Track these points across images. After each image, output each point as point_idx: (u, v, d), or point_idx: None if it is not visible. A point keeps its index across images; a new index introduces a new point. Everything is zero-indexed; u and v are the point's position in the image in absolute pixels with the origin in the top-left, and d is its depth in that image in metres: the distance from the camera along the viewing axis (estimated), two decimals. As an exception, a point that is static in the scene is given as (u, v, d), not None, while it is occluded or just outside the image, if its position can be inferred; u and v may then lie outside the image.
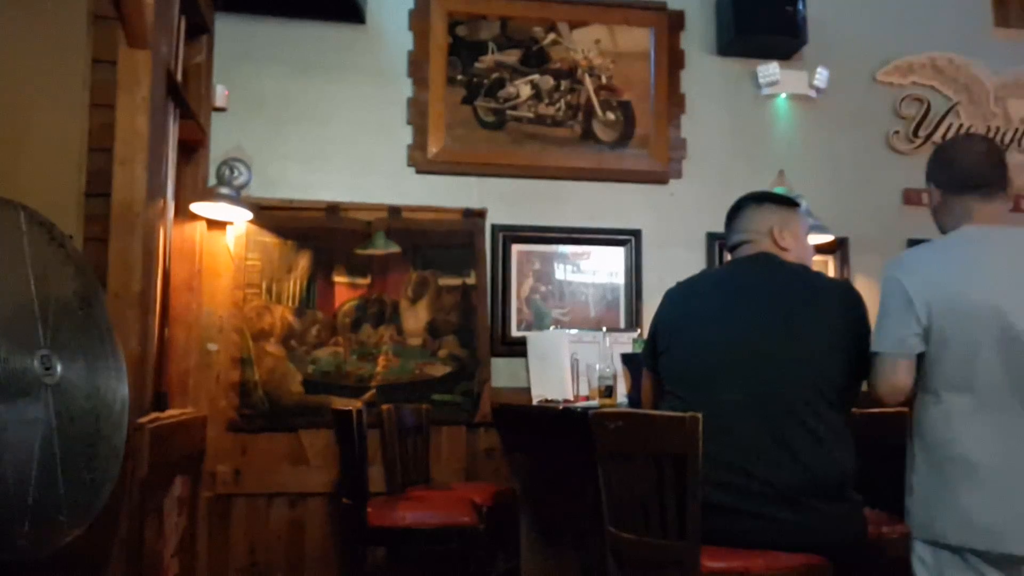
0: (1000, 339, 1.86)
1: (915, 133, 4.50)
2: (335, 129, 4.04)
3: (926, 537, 1.91)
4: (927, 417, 1.95)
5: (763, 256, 2.26)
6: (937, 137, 4.48)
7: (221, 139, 3.89)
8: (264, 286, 3.83)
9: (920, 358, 1.96)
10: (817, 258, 4.37)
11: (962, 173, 2.06)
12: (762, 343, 2.08)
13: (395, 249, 3.96)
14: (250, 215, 3.76)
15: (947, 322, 1.90)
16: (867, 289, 4.15)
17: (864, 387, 2.12)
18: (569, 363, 3.72)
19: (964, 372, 1.89)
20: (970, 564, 1.84)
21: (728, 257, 2.43)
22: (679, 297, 2.35)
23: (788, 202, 2.38)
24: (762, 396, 2.03)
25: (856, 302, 2.18)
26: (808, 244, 2.43)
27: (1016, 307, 1.87)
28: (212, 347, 3.76)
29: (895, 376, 1.97)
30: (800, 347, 2.07)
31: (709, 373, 2.12)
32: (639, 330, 3.94)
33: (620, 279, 4.21)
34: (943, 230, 2.10)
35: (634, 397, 2.88)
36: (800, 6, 4.25)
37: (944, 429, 1.91)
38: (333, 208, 3.94)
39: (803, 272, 2.26)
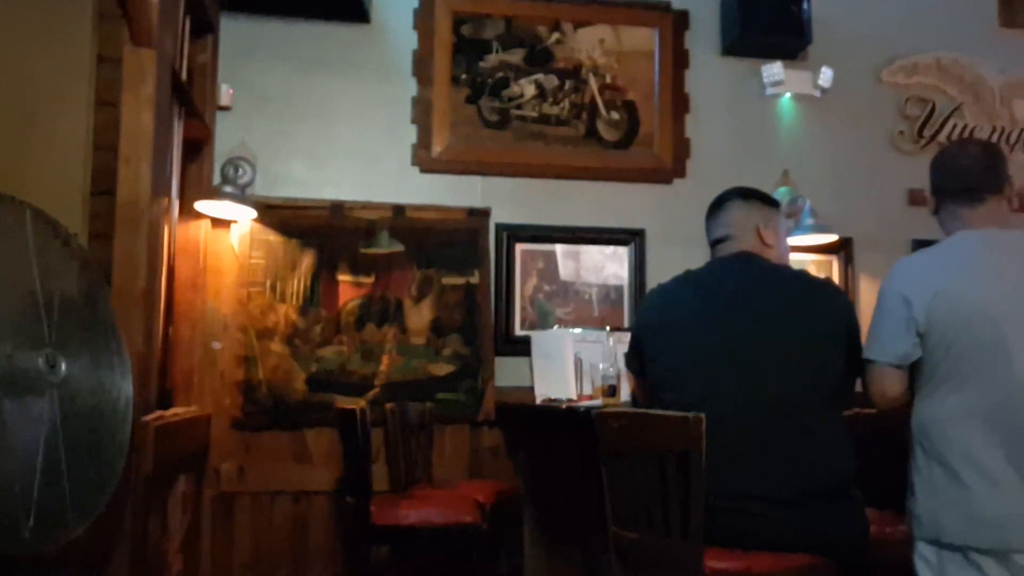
0: (995, 340, 1.87)
1: (920, 133, 4.50)
2: (339, 128, 4.05)
3: (929, 536, 1.92)
4: (928, 418, 1.96)
5: (748, 255, 2.22)
6: (942, 137, 4.47)
7: (226, 138, 3.89)
8: (268, 284, 3.83)
9: (919, 360, 1.97)
10: (821, 258, 4.38)
11: (950, 180, 2.09)
12: (757, 344, 2.06)
13: (399, 248, 3.96)
14: (254, 213, 3.76)
15: (945, 324, 1.92)
16: (872, 289, 4.22)
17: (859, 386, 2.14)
18: (573, 362, 3.72)
19: (962, 373, 1.91)
20: (972, 561, 1.85)
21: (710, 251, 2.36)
22: (662, 300, 2.30)
23: (771, 201, 2.36)
24: (760, 397, 2.02)
25: (844, 300, 2.22)
26: (787, 244, 2.42)
27: (1010, 309, 1.88)
28: (216, 345, 3.76)
29: (885, 384, 2.01)
30: (795, 347, 2.05)
31: (704, 376, 2.09)
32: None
33: (624, 278, 4.21)
34: (946, 233, 2.12)
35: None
36: (805, 6, 4.24)
37: (945, 429, 1.92)
38: (337, 207, 3.94)
39: (790, 272, 2.26)
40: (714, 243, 2.32)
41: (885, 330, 2.01)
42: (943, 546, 1.89)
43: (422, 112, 4.11)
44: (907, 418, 2.04)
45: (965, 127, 4.53)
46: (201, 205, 3.59)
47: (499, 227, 4.09)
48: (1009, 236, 2.02)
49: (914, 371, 2.00)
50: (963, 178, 2.06)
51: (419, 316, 3.93)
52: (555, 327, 4.04)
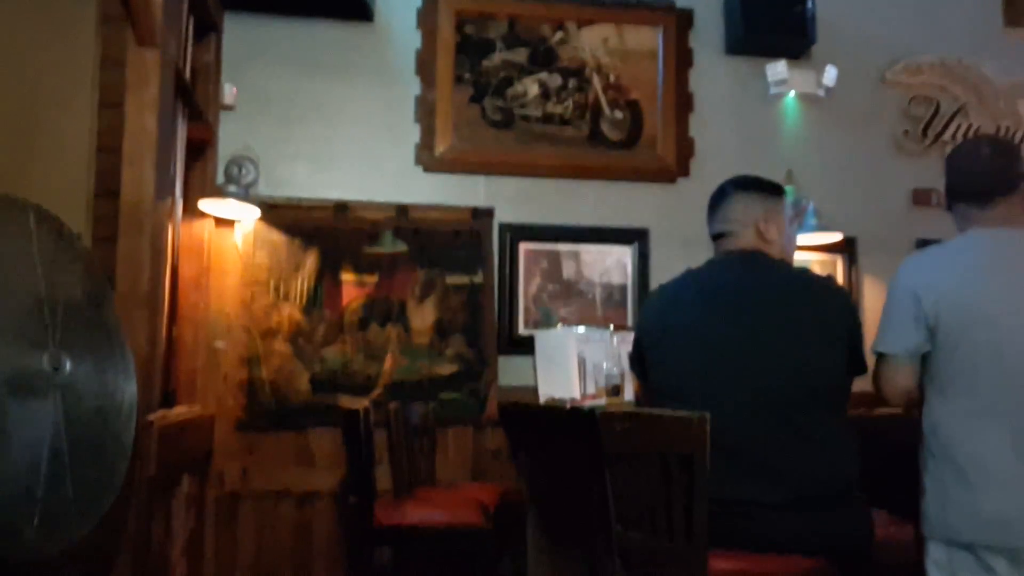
0: (1000, 340, 1.87)
1: (924, 133, 4.49)
2: (343, 128, 4.05)
3: (939, 536, 1.93)
4: (936, 417, 1.97)
5: (750, 255, 2.20)
6: (946, 137, 4.47)
7: (229, 138, 3.89)
8: (272, 284, 3.84)
9: (927, 358, 1.97)
10: (825, 258, 4.37)
11: (960, 182, 2.08)
12: (757, 346, 2.05)
13: (402, 248, 3.96)
14: (258, 213, 3.76)
15: (951, 323, 1.93)
16: (876, 289, 4.22)
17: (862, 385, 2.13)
18: (576, 362, 3.71)
19: (969, 372, 1.91)
20: (982, 560, 1.85)
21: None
22: (663, 303, 2.28)
23: (774, 189, 2.29)
24: (761, 400, 2.01)
25: (845, 298, 2.21)
26: (792, 235, 2.36)
27: (1014, 309, 1.88)
28: (220, 345, 3.76)
29: (899, 378, 2.03)
30: (796, 348, 2.04)
31: (705, 380, 2.08)
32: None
33: (627, 278, 4.20)
34: (958, 231, 2.11)
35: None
36: (809, 5, 4.24)
37: (952, 428, 1.93)
38: (341, 207, 3.94)
39: (790, 271, 2.24)
40: (715, 237, 2.30)
41: (895, 324, 2.02)
42: (953, 546, 1.89)
43: (425, 112, 4.11)
44: (913, 419, 2.04)
45: (969, 127, 4.52)
46: (205, 205, 3.59)
47: (503, 227, 4.09)
48: (1017, 236, 2.01)
49: (923, 372, 2.00)
50: (973, 181, 2.05)
51: (422, 316, 3.93)
52: (558, 327, 4.03)
